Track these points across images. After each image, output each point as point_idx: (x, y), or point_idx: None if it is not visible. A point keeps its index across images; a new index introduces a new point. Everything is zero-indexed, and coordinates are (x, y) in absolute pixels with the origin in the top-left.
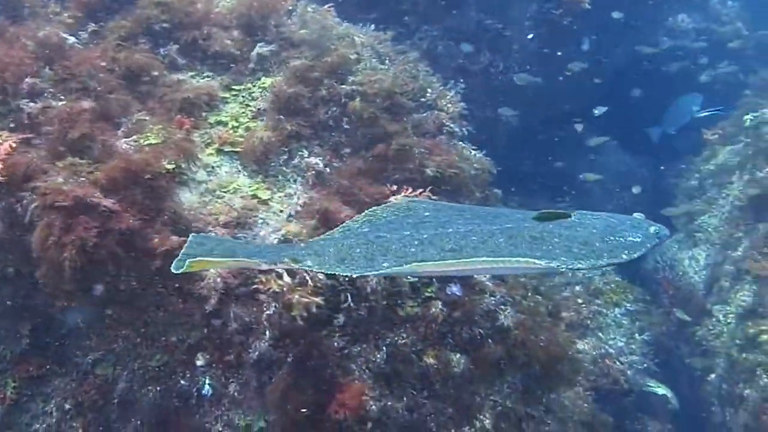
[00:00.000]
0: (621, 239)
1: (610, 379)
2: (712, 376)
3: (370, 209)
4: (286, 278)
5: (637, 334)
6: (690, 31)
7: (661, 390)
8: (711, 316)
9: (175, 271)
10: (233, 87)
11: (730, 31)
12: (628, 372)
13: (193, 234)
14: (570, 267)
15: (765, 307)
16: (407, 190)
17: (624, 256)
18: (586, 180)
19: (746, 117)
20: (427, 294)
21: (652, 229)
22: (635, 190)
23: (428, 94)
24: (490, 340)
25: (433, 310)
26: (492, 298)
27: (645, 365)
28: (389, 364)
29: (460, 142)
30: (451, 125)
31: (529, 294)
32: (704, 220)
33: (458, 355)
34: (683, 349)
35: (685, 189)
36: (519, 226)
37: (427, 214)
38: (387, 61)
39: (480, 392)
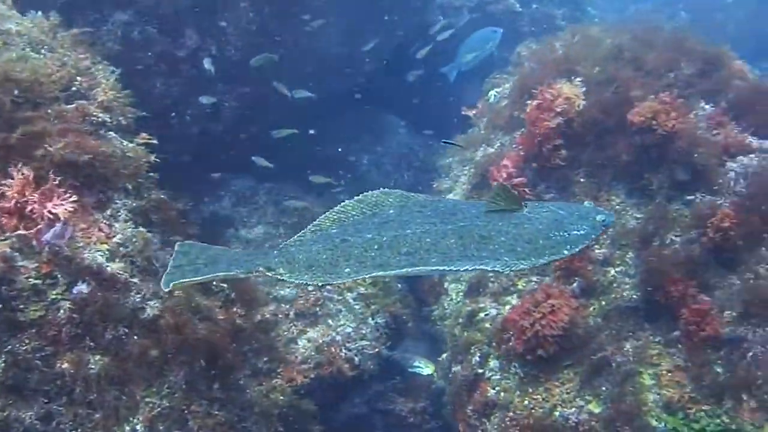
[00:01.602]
0: (565, 234)
1: (333, 367)
2: (444, 356)
3: (342, 204)
4: None
5: (370, 318)
6: (462, 9)
7: (428, 370)
8: (447, 294)
9: (165, 288)
10: None
11: (503, 8)
12: (356, 358)
13: (178, 243)
14: (513, 269)
15: (484, 284)
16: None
17: (566, 252)
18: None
19: (490, 93)
20: (53, 296)
21: (599, 218)
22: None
23: (77, 82)
24: (136, 337)
25: (61, 312)
26: (138, 294)
27: (376, 350)
28: (10, 372)
29: (111, 132)
30: (101, 114)
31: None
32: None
33: (98, 357)
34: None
35: (442, 167)
36: (471, 224)
37: (391, 211)
38: (44, 50)
39: (133, 394)
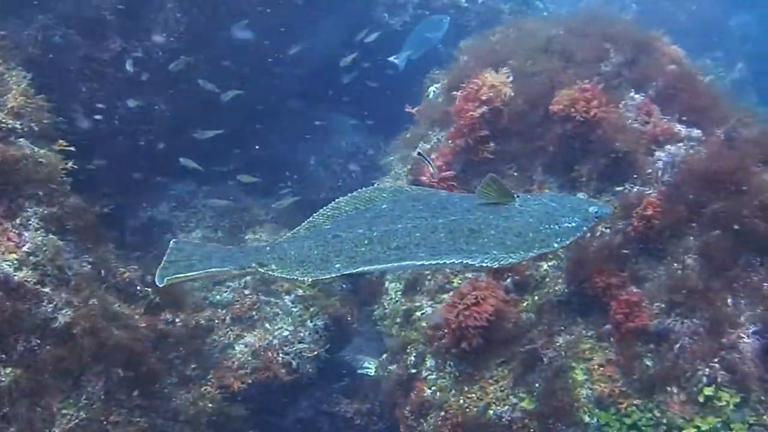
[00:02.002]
0: (556, 227)
1: (270, 372)
2: (384, 356)
3: (336, 200)
4: None
5: (308, 321)
6: (407, 5)
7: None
8: (387, 293)
9: (159, 284)
10: None
11: (448, 3)
12: (294, 362)
13: (174, 240)
14: (502, 262)
15: (421, 282)
16: None
17: (556, 245)
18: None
19: (430, 89)
20: None
21: (591, 210)
22: (352, 167)
23: None
24: (49, 347)
25: None
26: (50, 304)
27: (315, 353)
28: None
29: (22, 138)
30: (11, 121)
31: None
32: None
33: (9, 369)
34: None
35: (384, 165)
36: (462, 218)
37: (384, 206)
38: None
39: (50, 406)
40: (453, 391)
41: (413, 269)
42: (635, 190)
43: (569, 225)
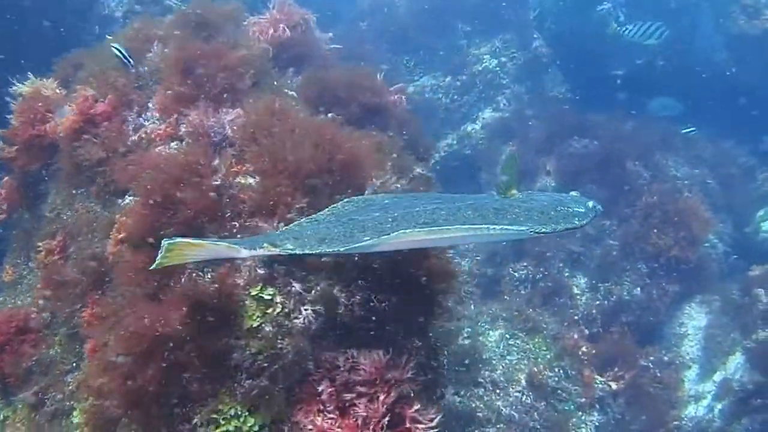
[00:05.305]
0: (569, 209)
1: None
2: None
3: (332, 205)
4: None
5: None
6: None
7: None
8: None
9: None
10: None
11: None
12: None
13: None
14: (537, 231)
15: None
16: None
17: (576, 222)
18: None
19: None
20: None
21: (590, 204)
22: None
23: None
24: None
25: None
26: None
27: None
28: None
29: None
30: None
31: None
32: None
33: None
34: None
35: None
36: (480, 202)
37: (386, 202)
38: None
39: None
40: None
41: (447, 243)
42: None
43: (579, 210)
